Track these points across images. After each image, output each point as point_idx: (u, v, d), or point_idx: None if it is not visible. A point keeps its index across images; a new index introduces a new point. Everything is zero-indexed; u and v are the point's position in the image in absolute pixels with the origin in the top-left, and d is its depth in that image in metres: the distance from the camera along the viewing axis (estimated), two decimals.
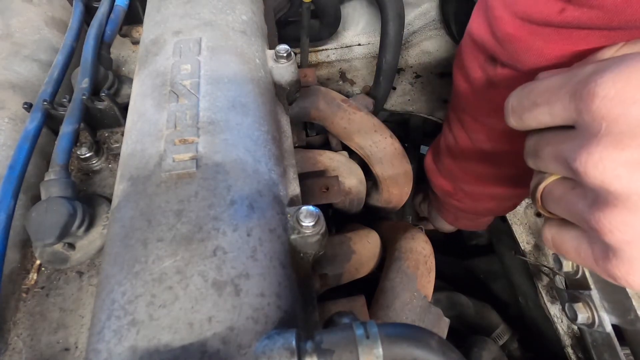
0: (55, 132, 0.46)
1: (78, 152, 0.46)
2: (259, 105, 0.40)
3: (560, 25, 0.42)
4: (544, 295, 0.82)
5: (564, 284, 0.75)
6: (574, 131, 0.32)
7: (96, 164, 0.48)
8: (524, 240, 0.88)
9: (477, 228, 0.90)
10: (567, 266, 0.70)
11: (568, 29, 0.42)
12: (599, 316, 0.62)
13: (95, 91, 0.47)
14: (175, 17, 0.46)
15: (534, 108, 0.35)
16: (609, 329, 0.62)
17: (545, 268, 0.83)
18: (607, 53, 0.37)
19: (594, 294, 0.64)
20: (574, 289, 0.69)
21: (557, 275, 0.76)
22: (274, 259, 0.31)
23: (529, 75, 0.40)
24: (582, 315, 0.64)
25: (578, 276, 0.69)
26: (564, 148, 0.32)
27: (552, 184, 0.37)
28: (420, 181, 0.92)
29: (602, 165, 0.28)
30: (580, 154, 0.29)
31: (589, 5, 0.38)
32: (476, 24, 0.55)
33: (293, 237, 0.33)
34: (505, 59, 0.52)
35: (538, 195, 0.39)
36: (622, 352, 0.61)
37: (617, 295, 0.61)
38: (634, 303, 0.57)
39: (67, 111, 0.44)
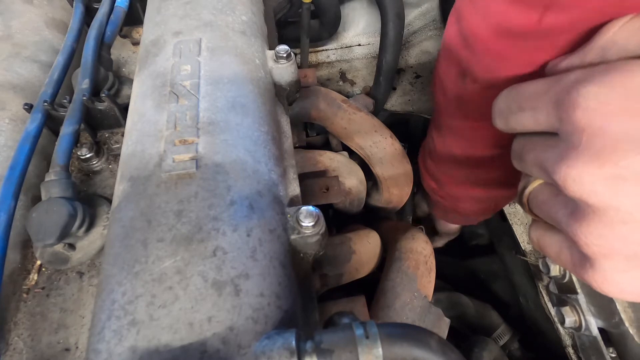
0: (56, 133, 0.46)
1: (78, 153, 0.46)
2: (259, 106, 0.40)
3: (540, 34, 0.40)
4: (544, 295, 0.82)
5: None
6: (556, 139, 0.32)
7: (96, 165, 0.48)
8: (525, 241, 0.88)
9: (467, 223, 0.91)
10: (555, 270, 0.70)
11: (548, 37, 0.39)
12: (585, 320, 0.63)
13: (95, 92, 0.47)
14: (175, 18, 0.46)
15: (520, 112, 0.35)
16: (595, 332, 0.62)
17: None
18: (616, 25, 0.32)
19: (581, 298, 0.64)
20: (562, 293, 0.69)
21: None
22: (273, 259, 0.31)
23: (497, 89, 0.39)
24: (570, 319, 0.64)
25: (565, 280, 0.69)
26: (546, 157, 0.32)
27: (537, 188, 0.37)
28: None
29: (580, 180, 0.28)
30: (560, 167, 0.29)
31: (570, 6, 0.35)
32: (449, 36, 0.54)
33: (293, 237, 0.34)
34: (480, 72, 0.49)
35: (525, 198, 0.39)
36: (610, 355, 0.61)
37: (602, 299, 0.61)
38: (618, 306, 0.58)
39: (67, 112, 0.44)
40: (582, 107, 0.27)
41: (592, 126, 0.27)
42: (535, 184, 0.37)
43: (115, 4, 0.55)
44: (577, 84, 0.28)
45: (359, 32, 1.11)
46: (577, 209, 0.30)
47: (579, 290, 0.65)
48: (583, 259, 0.32)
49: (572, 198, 0.30)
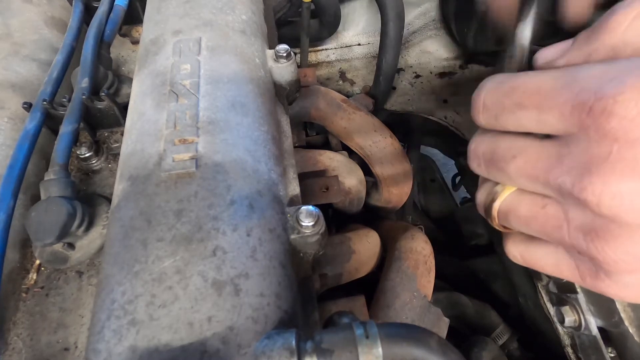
0: (55, 132, 0.46)
1: (78, 152, 0.46)
2: (259, 105, 0.40)
3: None
4: (544, 295, 0.82)
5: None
6: (558, 146, 0.28)
7: (96, 164, 0.48)
8: None
9: None
10: None
11: None
12: (585, 319, 0.62)
13: (95, 91, 0.47)
14: (175, 17, 0.46)
15: (518, 110, 0.30)
16: (595, 332, 0.62)
17: None
18: (626, 19, 0.27)
19: (580, 297, 0.64)
20: (562, 292, 0.69)
21: None
22: (273, 258, 0.31)
23: None
24: (569, 319, 0.64)
25: (564, 280, 0.68)
26: (546, 167, 0.29)
27: (513, 199, 0.32)
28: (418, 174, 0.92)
29: (620, 197, 0.25)
30: (592, 183, 0.25)
31: None
32: None
33: (293, 237, 0.33)
34: None
35: (495, 212, 0.34)
36: (610, 354, 0.61)
37: (601, 299, 0.61)
38: (618, 306, 0.58)
39: (66, 111, 0.43)
40: (619, 116, 0.24)
41: (629, 136, 0.24)
42: (505, 195, 0.33)
43: (115, 3, 0.55)
44: (608, 87, 0.25)
45: (358, 32, 1.11)
46: (594, 224, 0.27)
47: (578, 290, 0.65)
48: (594, 270, 0.30)
49: (598, 214, 0.26)
